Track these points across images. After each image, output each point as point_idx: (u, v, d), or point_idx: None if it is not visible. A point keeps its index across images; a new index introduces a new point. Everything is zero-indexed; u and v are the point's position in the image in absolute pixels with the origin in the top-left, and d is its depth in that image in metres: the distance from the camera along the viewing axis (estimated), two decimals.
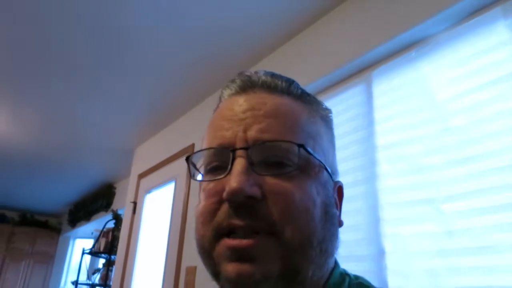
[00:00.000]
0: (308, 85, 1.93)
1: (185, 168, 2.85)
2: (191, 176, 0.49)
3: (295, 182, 0.43)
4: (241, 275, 0.40)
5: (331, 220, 0.46)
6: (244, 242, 0.41)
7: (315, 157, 0.45)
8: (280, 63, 2.24)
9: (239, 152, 0.43)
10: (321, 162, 0.46)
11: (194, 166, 0.49)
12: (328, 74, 1.85)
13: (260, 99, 0.47)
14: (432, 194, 1.34)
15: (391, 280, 1.36)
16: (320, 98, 2.01)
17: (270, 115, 0.45)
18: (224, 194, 0.41)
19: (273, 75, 0.50)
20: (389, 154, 1.51)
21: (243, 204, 0.41)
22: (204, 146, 0.48)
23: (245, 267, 0.40)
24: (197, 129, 2.91)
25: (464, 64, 1.38)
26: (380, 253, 1.43)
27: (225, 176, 0.43)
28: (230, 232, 0.42)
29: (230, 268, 0.41)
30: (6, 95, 3.03)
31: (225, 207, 0.42)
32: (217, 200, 0.43)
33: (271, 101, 0.47)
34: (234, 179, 0.41)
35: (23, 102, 3.13)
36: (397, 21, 1.58)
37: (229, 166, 0.43)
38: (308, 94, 0.52)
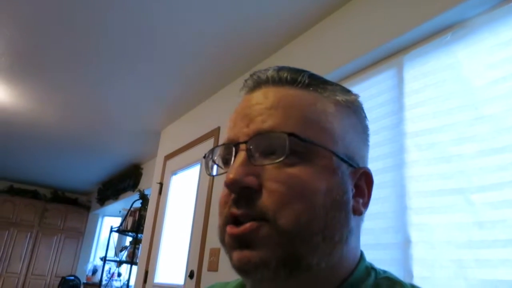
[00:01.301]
0: (338, 69, 1.90)
1: None
2: (206, 170, 0.54)
3: (294, 170, 0.44)
4: (241, 261, 0.43)
5: (339, 207, 0.46)
6: (239, 228, 0.43)
7: (313, 144, 0.46)
8: (310, 46, 2.20)
9: (241, 146, 0.46)
10: (326, 148, 0.46)
11: (213, 160, 0.52)
12: (358, 58, 1.81)
13: (265, 94, 0.49)
14: (462, 184, 1.30)
15: (416, 270, 1.35)
16: (350, 82, 1.98)
17: (270, 107, 0.47)
18: (224, 185, 0.45)
19: (280, 69, 0.51)
20: (419, 141, 1.48)
21: (242, 195, 0.44)
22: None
23: (244, 253, 0.43)
24: (223, 112, 2.91)
25: (502, 49, 1.31)
26: (406, 242, 1.40)
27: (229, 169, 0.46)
28: (234, 221, 0.45)
29: (234, 255, 0.44)
30: (38, 78, 3.12)
31: (231, 198, 0.45)
32: (227, 193, 0.46)
33: (273, 94, 0.49)
34: (231, 171, 0.44)
35: (54, 84, 3.21)
36: (432, 3, 1.52)
37: (232, 160, 0.46)
38: (324, 82, 0.52)
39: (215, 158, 0.52)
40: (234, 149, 0.47)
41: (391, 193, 1.51)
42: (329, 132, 0.48)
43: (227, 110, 2.94)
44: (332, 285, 0.46)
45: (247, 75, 0.54)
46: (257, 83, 0.51)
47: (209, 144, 2.97)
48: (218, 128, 2.90)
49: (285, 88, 0.49)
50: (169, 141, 3.78)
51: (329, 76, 1.95)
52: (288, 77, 0.50)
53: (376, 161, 1.57)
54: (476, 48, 1.39)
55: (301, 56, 2.24)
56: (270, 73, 0.51)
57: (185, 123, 3.55)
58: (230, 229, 0.44)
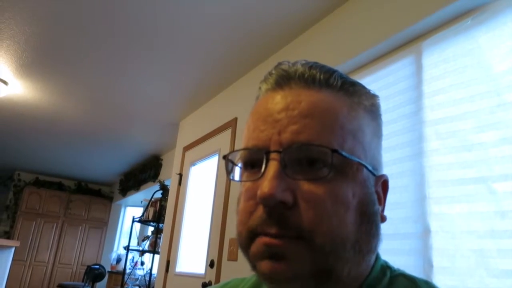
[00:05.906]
0: (355, 57, 1.88)
1: (229, 141, 2.89)
2: (228, 174, 0.50)
3: (329, 187, 0.42)
4: (274, 272, 0.42)
5: (369, 219, 0.45)
6: (277, 240, 0.42)
7: (352, 159, 0.44)
8: (326, 35, 2.18)
9: (272, 155, 0.43)
10: (360, 162, 0.45)
11: (232, 162, 0.49)
12: (376, 45, 1.78)
13: (296, 97, 0.45)
14: (483, 172, 1.27)
15: (436, 260, 1.33)
16: (367, 70, 1.94)
17: (305, 115, 0.44)
18: (257, 198, 0.42)
19: (311, 66, 0.47)
20: (439, 129, 1.45)
21: (275, 210, 0.41)
22: (242, 142, 0.49)
23: (278, 265, 0.41)
24: (240, 103, 2.92)
25: None
26: (425, 232, 1.39)
27: (259, 178, 0.43)
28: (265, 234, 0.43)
29: (264, 266, 0.42)
30: (58, 72, 3.17)
31: (260, 209, 0.43)
32: (253, 203, 0.44)
33: (307, 98, 0.45)
34: (266, 184, 0.41)
35: (74, 78, 3.27)
36: None
37: (263, 169, 0.43)
38: (352, 84, 0.49)
39: (236, 160, 0.49)
40: (265, 157, 0.43)
41: (410, 182, 1.49)
42: (362, 144, 0.46)
43: (244, 101, 2.96)
44: (353, 287, 0.47)
45: (263, 66, 0.51)
46: (284, 79, 0.47)
47: (226, 134, 2.98)
48: (235, 119, 2.91)
49: (318, 91, 0.46)
50: (187, 132, 3.82)
51: (346, 65, 1.93)
52: (321, 77, 0.46)
53: (394, 150, 1.55)
54: (497, 33, 1.35)
55: (318, 45, 2.22)
56: (300, 69, 0.47)
57: (203, 114, 3.57)
58: (265, 239, 0.42)
